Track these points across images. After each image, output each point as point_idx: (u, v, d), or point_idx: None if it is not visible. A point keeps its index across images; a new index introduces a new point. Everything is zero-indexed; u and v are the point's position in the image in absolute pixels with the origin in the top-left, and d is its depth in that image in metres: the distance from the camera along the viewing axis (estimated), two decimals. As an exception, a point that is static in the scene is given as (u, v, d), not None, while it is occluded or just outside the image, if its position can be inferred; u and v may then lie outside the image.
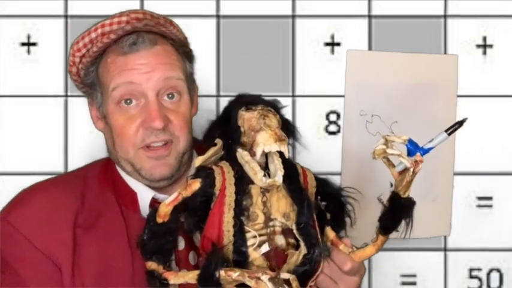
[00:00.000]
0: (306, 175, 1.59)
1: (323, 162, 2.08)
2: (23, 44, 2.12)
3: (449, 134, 1.55)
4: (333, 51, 2.16)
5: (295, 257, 1.49)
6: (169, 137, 1.70)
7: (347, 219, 1.63)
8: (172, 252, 1.53)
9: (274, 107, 1.56)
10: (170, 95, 1.70)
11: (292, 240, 1.53)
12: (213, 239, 1.47)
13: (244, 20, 2.14)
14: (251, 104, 1.54)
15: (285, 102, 2.10)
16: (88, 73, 1.76)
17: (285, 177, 1.47)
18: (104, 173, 1.78)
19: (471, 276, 2.20)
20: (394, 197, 1.54)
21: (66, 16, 2.11)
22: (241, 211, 1.47)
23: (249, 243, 1.47)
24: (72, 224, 1.68)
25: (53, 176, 1.97)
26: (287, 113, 1.65)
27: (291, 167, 1.53)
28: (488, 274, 2.21)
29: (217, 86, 2.15)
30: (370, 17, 2.15)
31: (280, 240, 1.50)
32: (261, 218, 1.48)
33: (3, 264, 1.66)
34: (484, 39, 2.17)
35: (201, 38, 2.12)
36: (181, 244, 1.71)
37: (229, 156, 1.53)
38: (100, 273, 1.66)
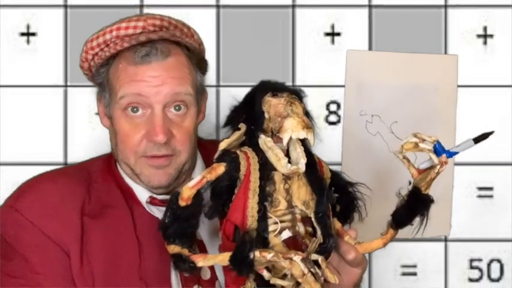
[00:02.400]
0: (322, 166, 1.59)
1: (323, 152, 2.07)
2: (23, 34, 2.12)
3: (475, 143, 1.56)
4: (333, 42, 2.16)
5: (313, 246, 1.48)
6: (171, 152, 1.69)
7: (355, 214, 1.63)
8: (195, 235, 1.53)
9: (298, 95, 1.55)
10: (177, 107, 1.70)
11: (309, 229, 1.52)
12: (237, 224, 1.46)
13: (244, 9, 2.13)
14: (277, 90, 1.52)
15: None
16: (98, 73, 1.75)
17: (306, 165, 1.47)
18: (107, 168, 1.78)
19: (472, 267, 2.21)
20: (415, 191, 1.54)
21: (65, 6, 2.11)
22: (264, 197, 1.47)
23: (270, 229, 1.47)
24: (79, 211, 1.68)
25: (53, 166, 1.97)
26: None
27: (310, 156, 1.52)
28: (488, 264, 2.21)
29: (217, 76, 2.15)
30: (370, 7, 2.15)
31: (300, 228, 1.50)
32: (283, 205, 1.48)
33: (12, 252, 1.67)
34: (485, 29, 2.16)
35: (200, 28, 2.11)
36: None
37: (251, 142, 1.52)
38: (108, 262, 1.66)
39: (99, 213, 1.70)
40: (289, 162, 1.47)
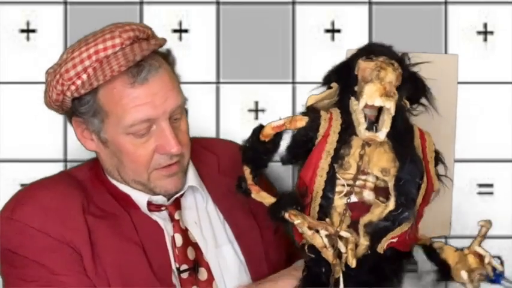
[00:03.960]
0: (425, 139, 1.57)
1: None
2: (22, 31, 2.12)
3: None
4: (333, 38, 2.15)
5: (380, 210, 1.48)
6: (180, 156, 1.71)
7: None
8: (263, 168, 1.58)
9: (400, 61, 1.53)
10: (177, 116, 1.70)
11: (382, 199, 1.51)
12: (305, 180, 1.49)
13: (244, 6, 2.13)
14: (374, 54, 1.51)
15: (285, 89, 2.12)
16: (82, 102, 1.68)
17: (392, 134, 1.46)
18: (95, 178, 1.77)
19: (472, 264, 2.20)
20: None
21: (65, 2, 2.11)
22: (336, 159, 1.48)
23: (336, 189, 1.48)
24: (81, 211, 1.68)
25: (53, 163, 1.97)
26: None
27: (404, 126, 1.51)
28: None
29: (217, 73, 2.14)
30: (370, 3, 2.15)
31: (368, 196, 1.50)
32: (353, 169, 1.48)
33: (21, 260, 1.65)
34: (485, 25, 2.16)
35: (200, 25, 2.11)
36: (179, 241, 1.73)
37: (342, 103, 1.52)
38: (119, 265, 1.66)
39: (101, 216, 1.69)
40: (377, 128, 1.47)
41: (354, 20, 2.14)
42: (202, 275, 1.73)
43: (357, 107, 1.47)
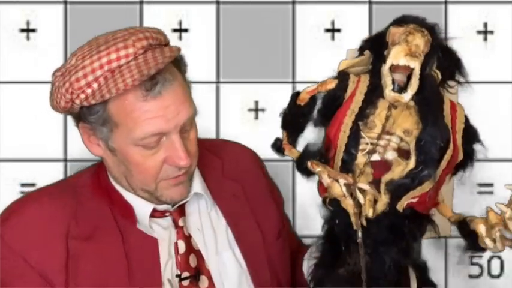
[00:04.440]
0: (456, 110, 1.59)
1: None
2: (22, 30, 2.12)
3: None
4: (333, 38, 2.16)
5: (401, 168, 1.50)
6: (189, 166, 1.68)
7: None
8: (300, 132, 1.61)
9: (431, 30, 1.55)
10: (187, 127, 1.68)
11: (404, 159, 1.53)
12: (330, 136, 1.54)
13: (244, 5, 2.13)
14: (406, 22, 1.54)
15: (285, 88, 2.12)
16: (92, 111, 1.63)
17: (419, 99, 1.50)
18: (96, 185, 1.74)
19: (472, 263, 2.21)
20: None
21: (65, 2, 2.11)
22: (361, 117, 1.52)
23: (360, 147, 1.51)
24: (64, 236, 1.65)
25: (52, 162, 1.97)
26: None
27: (432, 93, 1.54)
28: (489, 261, 2.21)
29: (217, 73, 2.15)
30: (370, 2, 2.15)
31: (391, 156, 1.52)
32: (378, 128, 1.51)
33: None
34: (485, 25, 2.16)
35: (200, 24, 2.12)
36: (182, 248, 1.72)
37: (374, 70, 1.55)
38: (98, 286, 1.65)
39: (88, 236, 1.67)
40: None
41: (354, 20, 2.15)
42: (203, 283, 1.72)
43: (386, 71, 1.50)
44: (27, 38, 2.11)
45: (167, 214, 1.73)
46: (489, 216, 1.53)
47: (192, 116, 1.67)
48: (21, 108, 2.10)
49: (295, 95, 1.60)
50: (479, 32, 2.16)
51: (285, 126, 1.62)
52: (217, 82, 2.14)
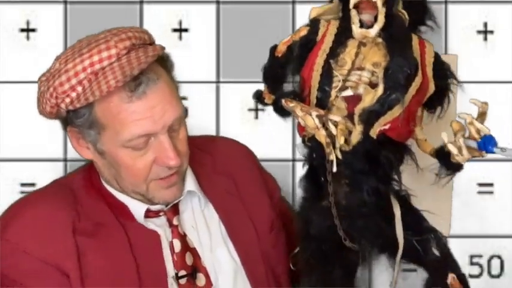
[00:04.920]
0: (424, 45, 1.64)
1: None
2: (22, 30, 2.12)
3: None
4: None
5: (371, 96, 1.56)
6: (180, 166, 1.69)
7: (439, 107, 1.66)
8: (280, 85, 1.65)
9: None
10: (175, 127, 1.68)
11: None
12: (303, 76, 1.60)
13: (244, 5, 2.13)
14: None
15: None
16: (78, 115, 1.64)
17: (387, 35, 1.56)
18: (90, 185, 1.74)
19: (472, 263, 2.21)
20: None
21: (65, 2, 2.11)
22: (332, 56, 1.58)
23: (333, 85, 1.56)
24: (70, 232, 1.65)
25: (53, 162, 1.97)
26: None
27: (399, 30, 1.60)
28: (489, 261, 2.21)
29: (217, 72, 2.14)
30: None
31: (363, 89, 1.57)
32: (348, 65, 1.57)
33: (9, 280, 1.64)
34: (485, 25, 2.16)
35: (200, 24, 2.12)
36: (178, 246, 1.73)
37: (344, 15, 1.61)
38: (110, 282, 1.65)
39: (92, 233, 1.67)
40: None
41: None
42: (201, 280, 1.72)
43: (354, 13, 1.57)
44: (27, 37, 2.11)
45: (161, 214, 1.73)
46: (452, 125, 1.57)
47: (180, 116, 1.67)
48: (21, 108, 2.10)
49: (273, 48, 1.66)
50: (479, 32, 2.16)
51: (265, 79, 1.67)
52: (217, 82, 2.14)
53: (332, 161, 1.52)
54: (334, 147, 1.52)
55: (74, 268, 1.64)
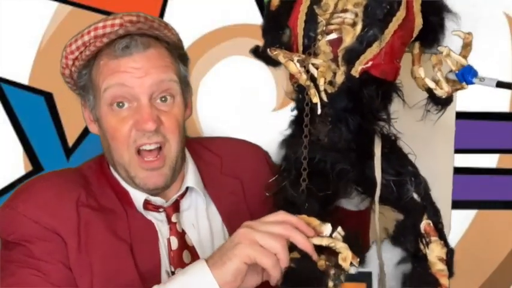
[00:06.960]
0: None
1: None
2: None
3: (497, 87, 1.55)
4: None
5: (351, 35, 1.55)
6: (162, 139, 1.70)
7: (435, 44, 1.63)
8: (279, 32, 1.66)
9: None
10: (163, 98, 1.69)
11: None
12: (290, 25, 1.62)
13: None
14: None
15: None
16: (81, 76, 1.74)
17: None
18: (100, 172, 1.78)
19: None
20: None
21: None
22: (316, 1, 1.60)
23: (318, 30, 1.58)
24: (74, 203, 1.69)
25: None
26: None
27: None
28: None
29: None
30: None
31: (344, 30, 1.58)
32: (331, 8, 1.58)
33: (12, 244, 1.68)
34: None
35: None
36: (175, 244, 1.73)
37: None
38: (106, 258, 1.67)
39: (98, 208, 1.70)
40: None
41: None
42: None
43: None
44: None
45: (161, 210, 1.74)
46: (431, 59, 1.57)
47: (169, 86, 1.70)
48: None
49: (268, 3, 1.67)
50: (479, 31, 2.16)
51: (264, 34, 1.68)
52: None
53: (316, 104, 1.54)
54: (319, 91, 1.54)
55: (72, 235, 1.66)
